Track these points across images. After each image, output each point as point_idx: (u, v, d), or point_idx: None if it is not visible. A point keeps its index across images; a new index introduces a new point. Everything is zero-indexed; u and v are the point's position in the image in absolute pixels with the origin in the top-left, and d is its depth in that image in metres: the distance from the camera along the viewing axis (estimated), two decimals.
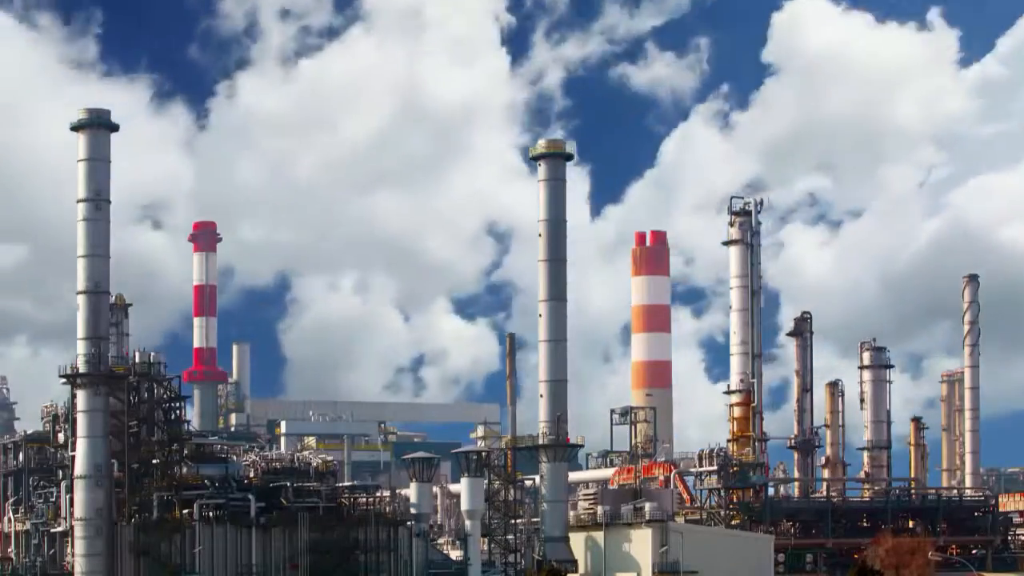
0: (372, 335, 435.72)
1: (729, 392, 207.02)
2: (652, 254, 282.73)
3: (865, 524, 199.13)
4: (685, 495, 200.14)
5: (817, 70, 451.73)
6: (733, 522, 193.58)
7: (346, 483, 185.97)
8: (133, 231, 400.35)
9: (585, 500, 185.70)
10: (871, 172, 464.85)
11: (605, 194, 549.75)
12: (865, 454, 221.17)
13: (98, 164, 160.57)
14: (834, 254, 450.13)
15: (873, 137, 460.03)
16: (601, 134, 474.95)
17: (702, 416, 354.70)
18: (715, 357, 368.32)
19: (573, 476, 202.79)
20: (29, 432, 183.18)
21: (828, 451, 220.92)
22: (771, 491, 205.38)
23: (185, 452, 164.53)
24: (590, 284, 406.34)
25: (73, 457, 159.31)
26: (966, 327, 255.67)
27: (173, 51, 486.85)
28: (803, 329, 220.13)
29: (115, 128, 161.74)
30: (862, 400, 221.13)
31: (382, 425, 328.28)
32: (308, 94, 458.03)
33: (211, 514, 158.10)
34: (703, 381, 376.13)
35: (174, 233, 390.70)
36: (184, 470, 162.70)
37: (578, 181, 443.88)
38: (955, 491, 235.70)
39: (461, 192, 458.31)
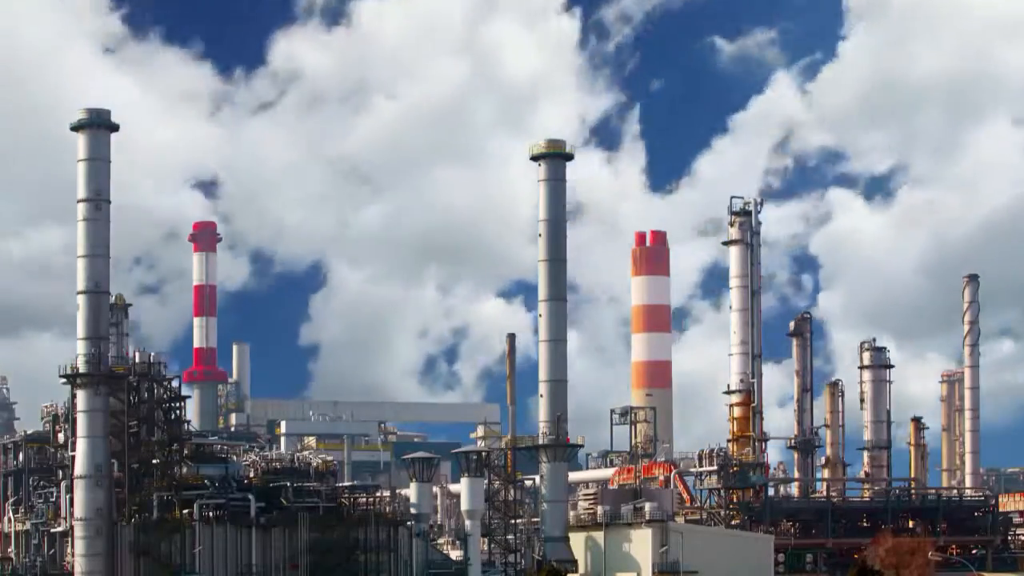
0: (407, 324, 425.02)
1: (729, 392, 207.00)
2: (652, 254, 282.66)
3: (865, 524, 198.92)
4: (685, 495, 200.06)
5: (904, 22, 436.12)
6: (733, 522, 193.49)
7: (346, 483, 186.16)
8: (183, 202, 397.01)
9: (585, 500, 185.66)
10: (956, 136, 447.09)
11: (672, 167, 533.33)
12: (865, 454, 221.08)
13: (98, 164, 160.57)
14: (898, 228, 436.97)
15: (962, 97, 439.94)
16: (672, 99, 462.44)
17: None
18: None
19: (573, 476, 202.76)
20: (29, 432, 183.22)
21: (828, 451, 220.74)
22: (771, 491, 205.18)
23: (185, 452, 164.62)
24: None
25: (73, 457, 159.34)
26: (966, 327, 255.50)
27: (221, 14, 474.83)
28: (803, 329, 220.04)
29: (115, 128, 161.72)
30: (862, 400, 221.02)
31: (382, 425, 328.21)
32: (358, 56, 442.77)
33: (211, 514, 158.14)
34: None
35: (219, 209, 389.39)
36: (184, 470, 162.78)
37: (638, 156, 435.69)
38: (955, 491, 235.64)
39: (519, 168, 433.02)
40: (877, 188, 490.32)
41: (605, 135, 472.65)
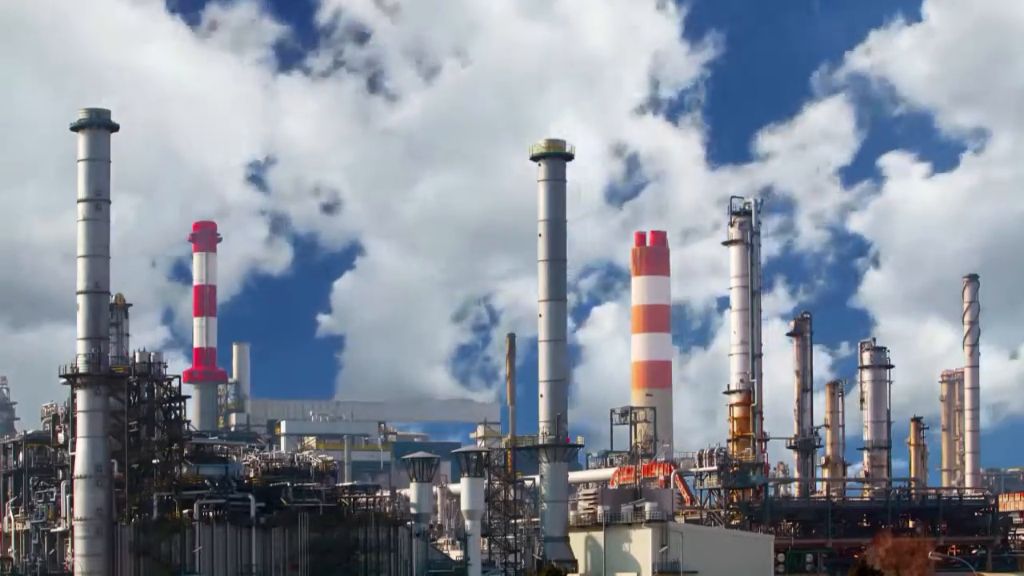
0: (448, 314, 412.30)
1: (729, 392, 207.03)
2: (652, 254, 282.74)
3: (865, 524, 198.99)
4: (685, 495, 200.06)
5: None
6: (733, 522, 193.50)
7: (346, 483, 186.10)
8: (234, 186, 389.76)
9: (585, 500, 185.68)
10: None
11: (745, 138, 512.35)
12: (865, 454, 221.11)
13: (98, 164, 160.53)
14: (970, 199, 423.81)
15: None
16: (751, 66, 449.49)
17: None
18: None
19: (573, 476, 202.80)
20: (29, 432, 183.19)
21: (828, 451, 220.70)
22: (771, 491, 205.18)
23: (185, 452, 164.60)
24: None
25: (73, 457, 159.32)
26: (966, 327, 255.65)
27: None
28: (803, 329, 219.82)
29: (115, 128, 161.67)
30: (862, 400, 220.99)
31: (382, 425, 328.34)
32: (420, 15, 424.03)
33: (211, 514, 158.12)
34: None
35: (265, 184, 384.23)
36: (184, 470, 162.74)
37: (711, 125, 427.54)
38: (955, 491, 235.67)
39: (587, 151, 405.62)
40: (957, 153, 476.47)
41: (680, 103, 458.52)
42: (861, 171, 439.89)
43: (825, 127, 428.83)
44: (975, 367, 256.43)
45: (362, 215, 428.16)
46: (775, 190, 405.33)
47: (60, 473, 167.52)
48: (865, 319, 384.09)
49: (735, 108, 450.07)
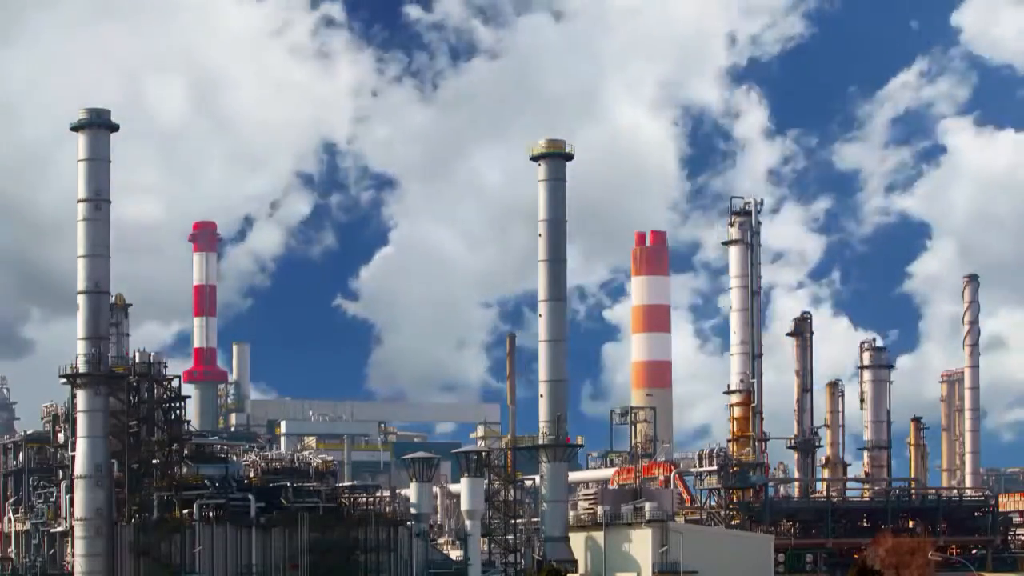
0: (481, 305, 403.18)
1: (729, 392, 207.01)
2: (652, 254, 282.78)
3: (865, 524, 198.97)
4: (685, 495, 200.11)
5: None
6: (733, 522, 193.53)
7: (346, 483, 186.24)
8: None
9: (585, 500, 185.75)
10: None
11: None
12: (865, 454, 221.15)
13: (98, 164, 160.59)
14: None
15: None
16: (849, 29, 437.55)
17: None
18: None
19: (573, 476, 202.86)
20: (29, 432, 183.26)
21: (828, 451, 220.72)
22: (771, 491, 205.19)
23: (185, 452, 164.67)
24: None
25: (73, 457, 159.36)
26: (966, 327, 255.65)
27: None
28: (803, 329, 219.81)
29: (115, 128, 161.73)
30: (862, 400, 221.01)
31: (382, 425, 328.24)
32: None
33: (211, 514, 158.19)
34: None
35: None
36: (184, 470, 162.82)
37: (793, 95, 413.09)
38: (955, 491, 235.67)
39: (661, 131, 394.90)
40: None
41: (757, 71, 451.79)
42: (938, 147, 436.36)
43: (912, 98, 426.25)
44: (975, 367, 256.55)
45: (415, 194, 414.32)
46: (854, 161, 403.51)
47: (60, 473, 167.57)
48: (925, 302, 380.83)
49: (819, 76, 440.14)
